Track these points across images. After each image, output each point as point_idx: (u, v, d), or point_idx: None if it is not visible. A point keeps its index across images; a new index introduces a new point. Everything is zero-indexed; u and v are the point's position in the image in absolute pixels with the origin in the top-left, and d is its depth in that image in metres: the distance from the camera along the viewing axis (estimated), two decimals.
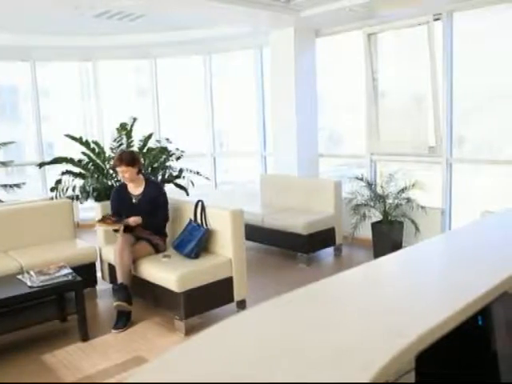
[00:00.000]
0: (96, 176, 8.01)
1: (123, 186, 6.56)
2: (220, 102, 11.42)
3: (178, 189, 8.65)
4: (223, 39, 10.41)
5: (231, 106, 11.46)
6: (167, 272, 5.79)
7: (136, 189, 6.50)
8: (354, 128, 9.39)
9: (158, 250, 6.39)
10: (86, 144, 8.20)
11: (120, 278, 5.95)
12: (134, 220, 6.24)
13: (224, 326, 1.45)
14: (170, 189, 8.17)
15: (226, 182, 12.08)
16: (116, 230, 6.31)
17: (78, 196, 8.13)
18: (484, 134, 8.17)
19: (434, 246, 2.29)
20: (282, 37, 9.29)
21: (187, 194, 8.48)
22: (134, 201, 6.46)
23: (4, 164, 9.92)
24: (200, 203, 6.31)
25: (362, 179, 8.52)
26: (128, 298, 5.85)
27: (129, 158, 6.36)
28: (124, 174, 6.33)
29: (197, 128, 11.66)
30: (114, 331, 5.74)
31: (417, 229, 8.09)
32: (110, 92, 11.69)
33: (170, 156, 8.58)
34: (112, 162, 6.99)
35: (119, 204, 6.50)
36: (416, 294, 1.71)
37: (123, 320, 5.86)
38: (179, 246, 6.26)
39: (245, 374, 1.12)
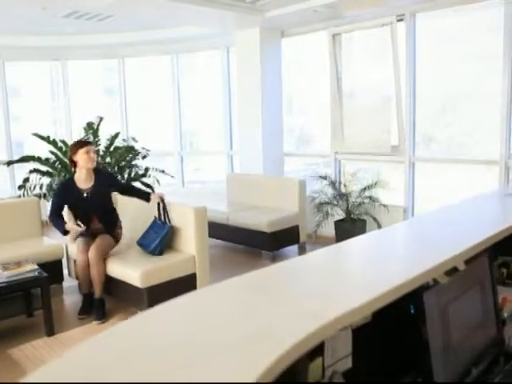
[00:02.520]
0: (63, 174, 8.09)
1: (71, 181, 6.27)
2: (188, 101, 11.52)
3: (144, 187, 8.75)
4: (190, 39, 10.51)
5: (199, 105, 11.55)
6: (131, 268, 5.92)
7: (85, 183, 6.25)
8: (322, 128, 9.52)
9: (117, 239, 6.52)
10: (54, 143, 8.28)
11: (98, 292, 6.10)
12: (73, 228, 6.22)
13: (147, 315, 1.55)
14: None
15: (197, 181, 12.16)
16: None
17: (45, 194, 8.21)
18: (453, 134, 8.31)
19: (370, 239, 2.42)
20: (247, 37, 9.41)
21: (153, 192, 8.60)
22: (84, 195, 6.23)
23: None
24: (161, 201, 6.44)
25: (325, 178, 8.68)
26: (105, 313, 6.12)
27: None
28: (93, 153, 6.26)
29: (165, 127, 11.74)
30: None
31: (379, 226, 8.24)
32: (79, 91, 11.75)
33: (137, 155, 8.68)
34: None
35: (66, 200, 6.30)
36: (341, 282, 1.84)
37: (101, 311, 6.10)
38: (144, 243, 6.35)
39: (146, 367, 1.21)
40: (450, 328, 2.02)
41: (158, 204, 6.43)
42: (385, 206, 8.30)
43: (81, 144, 6.25)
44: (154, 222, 6.44)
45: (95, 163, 6.30)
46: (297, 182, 8.51)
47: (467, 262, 2.18)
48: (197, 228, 6.08)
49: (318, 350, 1.71)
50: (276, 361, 1.14)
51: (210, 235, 6.58)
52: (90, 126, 8.41)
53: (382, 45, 8.28)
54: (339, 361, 1.82)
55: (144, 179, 8.78)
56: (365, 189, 8.39)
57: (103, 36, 10.31)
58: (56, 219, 6.21)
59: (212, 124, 11.46)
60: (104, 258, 6.12)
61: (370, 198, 8.34)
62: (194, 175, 12.24)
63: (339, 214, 8.57)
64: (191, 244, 6.14)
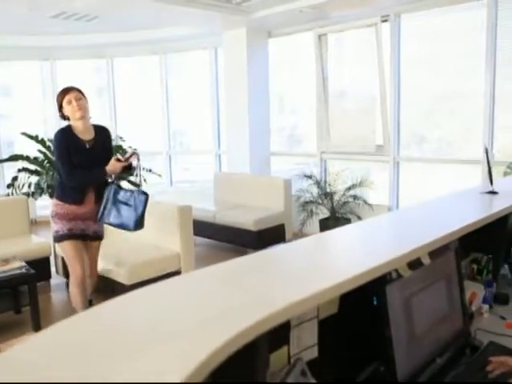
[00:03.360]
0: (51, 173, 8.15)
1: (69, 129, 5.11)
2: (177, 101, 11.59)
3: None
4: (179, 39, 10.59)
5: (188, 105, 11.62)
6: (117, 265, 6.03)
7: (84, 134, 5.15)
8: (313, 127, 9.59)
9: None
10: (42, 142, 8.34)
11: (89, 294, 5.67)
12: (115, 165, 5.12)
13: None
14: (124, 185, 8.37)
15: (186, 180, 12.22)
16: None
17: (33, 193, 8.27)
18: (443, 134, 8.40)
19: (340, 233, 2.51)
20: (234, 37, 9.50)
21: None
22: (87, 146, 5.12)
23: None
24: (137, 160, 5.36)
25: (310, 177, 8.78)
26: None
27: (78, 88, 5.21)
28: (78, 101, 5.05)
29: (154, 127, 11.80)
30: None
31: None
32: None
33: (124, 154, 8.72)
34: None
35: (68, 147, 5.04)
36: (303, 273, 1.92)
37: None
38: (122, 224, 5.30)
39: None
40: (414, 319, 2.11)
41: (127, 167, 5.26)
42: (369, 204, 8.39)
43: (62, 93, 5.11)
44: (116, 193, 5.28)
45: (86, 112, 5.15)
46: (282, 181, 8.61)
47: (433, 256, 2.28)
48: (181, 226, 6.18)
49: (284, 339, 1.82)
50: (221, 346, 1.22)
51: (197, 234, 6.68)
52: None
53: (368, 45, 8.36)
54: (305, 350, 1.92)
55: (131, 178, 8.81)
56: (349, 188, 8.49)
57: (92, 36, 10.38)
58: (78, 170, 5.01)
59: (201, 124, 11.52)
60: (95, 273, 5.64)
61: (355, 197, 8.44)
62: (184, 175, 12.31)
63: (324, 213, 8.66)
64: (176, 242, 6.24)
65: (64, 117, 5.19)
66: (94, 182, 5.17)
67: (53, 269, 7.11)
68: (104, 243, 5.78)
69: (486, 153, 3.24)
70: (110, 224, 5.34)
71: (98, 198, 5.24)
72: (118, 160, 5.18)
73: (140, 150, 9.33)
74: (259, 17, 8.52)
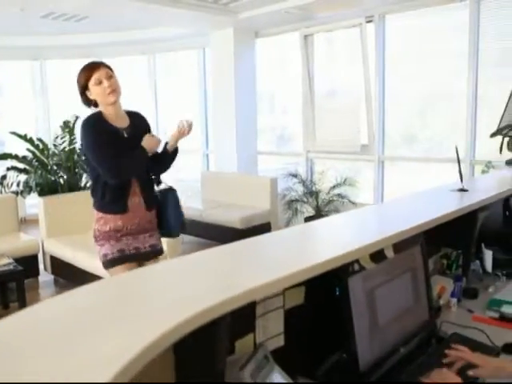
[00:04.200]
0: (39, 172, 8.22)
1: (100, 116, 3.98)
2: (166, 100, 11.68)
3: None
4: (167, 39, 10.67)
5: (177, 104, 11.70)
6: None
7: (118, 121, 4.03)
8: (301, 127, 9.65)
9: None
10: (31, 141, 8.41)
11: None
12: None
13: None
14: None
15: (175, 179, 12.27)
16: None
17: (22, 191, 8.34)
18: (431, 133, 8.49)
19: (310, 227, 2.62)
20: (222, 37, 9.59)
21: None
22: (125, 135, 4.01)
23: None
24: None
25: (295, 176, 8.88)
26: None
27: (106, 63, 4.08)
28: (109, 79, 3.91)
29: None
30: None
31: None
32: (60, 90, 11.90)
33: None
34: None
35: (103, 136, 3.92)
36: (270, 261, 2.03)
37: None
38: (169, 230, 4.45)
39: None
40: (377, 310, 2.22)
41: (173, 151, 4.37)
42: (353, 203, 8.48)
43: (87, 70, 3.93)
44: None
45: (119, 94, 4.01)
46: (268, 180, 8.70)
47: (398, 250, 2.39)
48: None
49: (250, 327, 1.92)
50: (175, 326, 1.34)
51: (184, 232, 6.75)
52: (66, 124, 8.54)
53: (353, 46, 8.47)
54: (271, 338, 2.02)
55: None
56: (334, 187, 8.59)
57: (81, 36, 10.47)
58: (118, 160, 3.84)
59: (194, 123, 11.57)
60: None
61: (339, 195, 8.54)
62: (176, 174, 12.36)
63: (309, 212, 8.76)
64: (163, 239, 6.30)
65: (88, 102, 4.00)
66: (141, 167, 4.00)
67: (41, 266, 7.20)
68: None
69: (456, 151, 3.34)
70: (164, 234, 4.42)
71: (149, 204, 4.09)
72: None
73: None
74: (246, 17, 8.61)
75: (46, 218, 7.20)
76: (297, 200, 8.80)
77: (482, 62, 7.34)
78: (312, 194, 8.67)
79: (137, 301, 1.60)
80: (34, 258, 7.04)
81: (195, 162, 11.39)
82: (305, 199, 8.74)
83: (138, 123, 4.20)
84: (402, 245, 2.42)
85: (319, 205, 8.61)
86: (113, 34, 10.36)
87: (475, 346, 2.39)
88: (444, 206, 2.87)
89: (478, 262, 3.44)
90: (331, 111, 9.10)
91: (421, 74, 8.14)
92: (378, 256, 2.26)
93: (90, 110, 4.10)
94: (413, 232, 2.40)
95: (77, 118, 8.50)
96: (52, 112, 11.79)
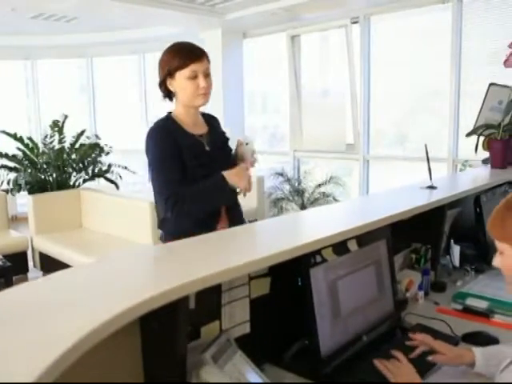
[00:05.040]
0: (29, 170, 8.29)
1: (172, 122, 3.11)
2: (156, 99, 11.74)
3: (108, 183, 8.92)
4: (157, 39, 10.74)
5: (167, 104, 11.77)
6: (88, 258, 6.19)
7: (197, 128, 3.18)
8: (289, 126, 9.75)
9: None
10: (21, 140, 8.48)
11: None
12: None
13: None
14: (104, 184, 8.62)
15: None
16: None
17: (11, 189, 8.41)
18: (424, 133, 8.47)
19: (279, 220, 2.74)
20: (210, 38, 9.66)
21: (117, 188, 8.78)
22: (206, 147, 3.13)
23: None
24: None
25: (281, 174, 8.99)
26: None
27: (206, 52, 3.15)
28: (206, 77, 3.05)
29: (134, 125, 11.98)
30: None
31: None
32: (52, 90, 12.01)
33: (102, 151, 8.86)
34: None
35: (179, 149, 2.99)
36: (235, 251, 2.16)
37: None
38: None
39: None
40: (339, 300, 2.35)
41: None
42: (338, 201, 8.58)
43: (185, 58, 3.02)
44: None
45: (208, 97, 3.11)
46: (255, 178, 8.79)
47: (362, 244, 2.52)
48: (153, 222, 6.32)
49: (216, 315, 2.05)
50: (138, 303, 1.47)
51: None
52: (55, 123, 8.61)
53: (339, 46, 8.59)
54: (237, 326, 2.15)
55: (108, 175, 8.96)
56: (320, 185, 8.70)
57: (72, 36, 10.56)
58: (183, 189, 2.92)
59: None
60: None
61: (324, 193, 8.65)
62: None
63: (295, 209, 8.86)
64: (148, 237, 6.41)
65: (169, 94, 3.16)
66: (213, 205, 3.08)
67: (30, 263, 7.29)
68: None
69: (426, 150, 3.47)
70: None
71: (230, 218, 3.23)
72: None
73: (120, 149, 9.58)
74: (233, 18, 8.72)
75: (35, 216, 7.31)
76: (283, 198, 8.90)
77: (465, 62, 7.44)
78: (298, 192, 8.78)
79: (108, 282, 1.75)
80: (24, 254, 7.13)
81: None
82: (290, 198, 8.85)
83: (216, 130, 3.33)
84: (367, 238, 2.56)
85: (305, 203, 8.72)
86: (103, 33, 10.46)
87: (436, 336, 2.52)
88: (410, 201, 2.99)
89: (448, 257, 3.56)
90: (318, 111, 9.22)
91: (407, 74, 8.26)
92: (341, 249, 2.39)
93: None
94: (373, 226, 2.52)
95: (66, 117, 8.58)
96: (43, 111, 11.87)
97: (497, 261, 1.92)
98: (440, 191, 3.33)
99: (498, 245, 1.86)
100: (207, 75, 3.06)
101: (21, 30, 10.12)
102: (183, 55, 3.02)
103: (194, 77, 2.99)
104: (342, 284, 2.38)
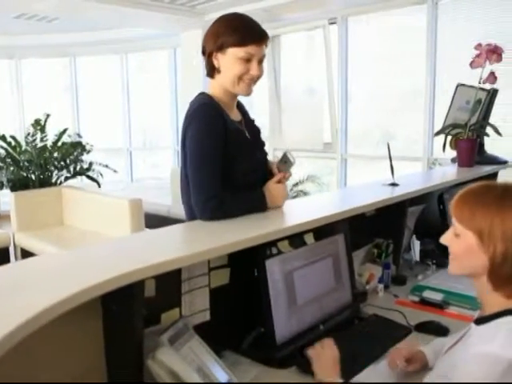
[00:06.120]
0: (12, 168, 8.36)
1: (217, 104, 2.66)
2: (139, 99, 11.84)
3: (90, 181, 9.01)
4: (139, 39, 10.86)
5: (150, 103, 11.87)
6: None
7: (234, 113, 2.83)
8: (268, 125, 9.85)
9: None
10: (3, 138, 8.55)
11: None
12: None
13: None
14: (87, 183, 8.72)
15: (154, 177, 12.43)
16: None
17: None
18: (409, 132, 8.64)
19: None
20: (190, 38, 9.73)
21: (99, 186, 8.85)
22: (247, 135, 2.82)
23: None
24: None
25: None
26: None
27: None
28: (260, 64, 2.66)
29: (117, 124, 12.06)
30: None
31: None
32: (35, 89, 12.08)
33: (84, 150, 8.93)
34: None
35: (229, 143, 2.62)
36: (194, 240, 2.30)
37: None
38: None
39: None
40: (295, 291, 2.49)
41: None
42: None
43: (245, 37, 2.60)
44: None
45: (252, 87, 2.72)
46: None
47: (319, 238, 2.66)
48: (132, 219, 6.46)
49: (176, 302, 2.19)
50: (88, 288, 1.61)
51: (152, 227, 6.95)
52: (37, 122, 8.68)
53: (318, 46, 8.70)
54: (197, 313, 2.29)
55: (89, 173, 9.03)
56: (297, 183, 8.82)
57: (56, 36, 10.62)
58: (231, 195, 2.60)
59: (164, 121, 11.75)
60: None
61: (302, 191, 8.77)
62: (152, 171, 12.56)
63: None
64: (127, 233, 6.48)
65: (212, 71, 2.73)
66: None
67: (12, 259, 7.36)
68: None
69: (388, 148, 3.58)
70: None
71: None
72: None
73: (103, 147, 9.67)
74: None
75: (17, 213, 7.38)
76: None
77: (440, 62, 7.57)
78: None
79: (75, 267, 1.90)
80: (5, 251, 7.20)
81: (167, 159, 11.61)
82: None
83: (251, 120, 3.00)
84: (324, 232, 2.71)
85: None
86: (86, 33, 10.53)
87: (390, 325, 2.68)
88: (368, 198, 3.11)
89: (411, 252, 3.71)
90: (297, 110, 9.33)
91: (389, 74, 8.38)
92: (297, 242, 2.54)
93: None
94: (327, 220, 2.64)
95: (48, 115, 8.65)
96: (27, 110, 11.94)
97: (447, 239, 1.90)
98: (401, 188, 3.44)
99: (458, 226, 1.83)
100: (261, 62, 2.64)
101: (4, 30, 10.20)
102: (244, 32, 2.60)
103: (248, 60, 2.58)
104: (299, 275, 2.52)
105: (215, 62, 2.65)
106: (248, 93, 2.69)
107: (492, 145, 4.92)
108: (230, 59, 2.59)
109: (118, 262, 1.92)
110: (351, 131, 8.87)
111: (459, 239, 1.83)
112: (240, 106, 2.91)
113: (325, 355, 2.19)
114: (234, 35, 2.58)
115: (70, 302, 1.51)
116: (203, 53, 2.72)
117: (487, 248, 1.73)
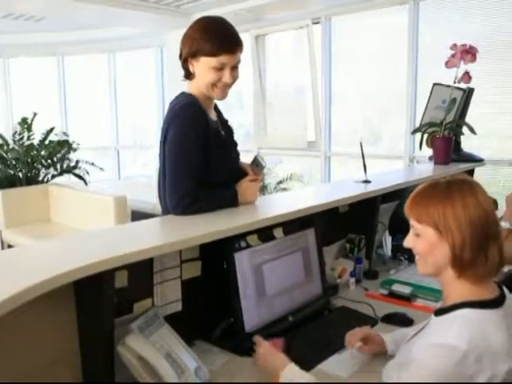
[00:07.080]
0: None
1: (200, 106, 2.73)
2: (127, 97, 11.89)
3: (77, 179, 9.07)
4: (126, 38, 10.91)
5: (138, 101, 11.92)
6: None
7: (211, 112, 2.90)
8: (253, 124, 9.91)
9: None
10: None
11: None
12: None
13: None
14: (75, 181, 8.80)
15: (144, 175, 12.48)
16: None
17: None
18: (395, 131, 8.58)
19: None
20: (176, 37, 9.65)
21: (85, 184, 8.91)
22: (222, 133, 2.90)
23: None
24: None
25: None
26: None
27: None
28: (233, 71, 2.73)
29: (104, 123, 12.13)
30: None
31: None
32: (23, 87, 12.13)
33: (71, 148, 8.98)
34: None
35: (206, 142, 2.70)
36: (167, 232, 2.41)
37: None
38: None
39: None
40: (264, 282, 2.61)
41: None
42: None
43: (218, 46, 2.65)
44: None
45: (228, 91, 2.80)
46: None
47: (288, 232, 2.77)
48: (117, 216, 6.57)
49: (148, 293, 2.30)
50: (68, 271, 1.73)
51: None
52: (24, 121, 8.73)
53: (302, 46, 8.78)
54: (169, 304, 2.40)
55: (76, 171, 9.08)
56: (281, 182, 8.92)
57: (44, 35, 10.67)
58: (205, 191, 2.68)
59: (151, 119, 11.82)
60: None
61: (285, 189, 8.87)
62: (142, 169, 12.62)
63: None
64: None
65: (188, 75, 2.81)
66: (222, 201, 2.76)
67: None
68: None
69: (361, 147, 3.68)
70: None
71: None
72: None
73: (90, 146, 9.72)
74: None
75: (5, 210, 7.45)
76: None
77: (422, 62, 7.67)
78: (260, 189, 8.98)
79: (48, 256, 2.02)
80: None
81: (153, 157, 11.66)
82: None
83: (225, 119, 3.06)
84: (293, 227, 2.82)
85: None
86: (73, 32, 10.57)
87: (358, 317, 2.80)
88: (338, 194, 3.20)
89: (384, 247, 3.83)
90: (282, 109, 9.40)
91: (374, 74, 8.43)
92: (266, 236, 2.65)
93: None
94: (294, 215, 2.76)
95: (35, 114, 8.70)
96: (15, 108, 11.98)
97: (409, 241, 2.00)
98: (373, 185, 3.53)
99: (417, 226, 1.91)
100: (235, 68, 2.71)
101: None
102: (218, 42, 2.63)
103: (220, 68, 2.66)
104: (268, 268, 2.63)
105: (190, 67, 2.74)
106: (222, 97, 2.77)
107: (465, 143, 5.00)
108: (203, 67, 2.67)
109: (91, 252, 2.01)
110: (338, 130, 8.95)
111: (420, 238, 1.92)
112: (214, 106, 2.94)
113: (264, 352, 2.26)
114: (207, 44, 2.63)
115: (42, 287, 1.62)
116: (180, 56, 2.80)
117: (446, 237, 1.83)
